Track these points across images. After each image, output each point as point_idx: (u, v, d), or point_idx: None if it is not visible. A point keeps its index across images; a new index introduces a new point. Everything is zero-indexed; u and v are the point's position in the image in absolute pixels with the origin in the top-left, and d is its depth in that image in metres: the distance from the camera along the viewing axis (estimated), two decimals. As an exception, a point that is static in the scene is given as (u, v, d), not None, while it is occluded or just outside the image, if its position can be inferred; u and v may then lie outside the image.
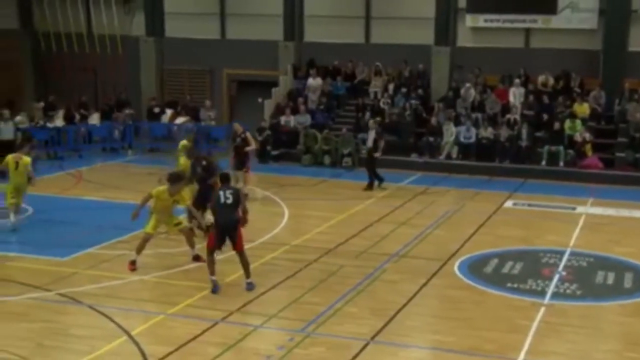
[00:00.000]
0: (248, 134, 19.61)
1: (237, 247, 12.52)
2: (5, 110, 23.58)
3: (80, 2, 29.74)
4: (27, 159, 16.22)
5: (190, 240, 13.81)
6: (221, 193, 12.48)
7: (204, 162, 15.31)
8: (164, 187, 13.40)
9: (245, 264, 12.58)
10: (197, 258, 13.74)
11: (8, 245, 14.82)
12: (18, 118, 24.40)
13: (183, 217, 13.93)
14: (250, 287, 12.51)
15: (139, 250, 13.39)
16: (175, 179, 13.49)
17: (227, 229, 12.43)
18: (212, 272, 12.41)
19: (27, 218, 16.83)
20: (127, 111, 27.11)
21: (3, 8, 29.57)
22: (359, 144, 24.06)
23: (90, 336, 10.54)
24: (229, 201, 12.39)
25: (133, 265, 13.36)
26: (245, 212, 12.73)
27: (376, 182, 20.81)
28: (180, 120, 26.68)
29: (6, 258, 13.93)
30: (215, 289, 12.31)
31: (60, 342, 10.39)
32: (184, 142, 18.83)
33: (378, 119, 23.33)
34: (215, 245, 12.49)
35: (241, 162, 19.30)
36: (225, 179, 12.99)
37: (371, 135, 21.14)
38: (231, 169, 19.28)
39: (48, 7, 29.94)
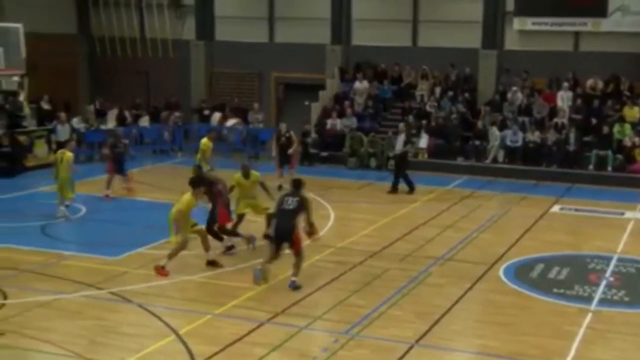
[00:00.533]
0: (292, 133, 20.84)
1: (294, 247, 12.79)
2: (62, 112, 24.26)
3: (134, 7, 30.47)
4: (69, 155, 17.19)
5: (205, 242, 13.76)
6: (286, 198, 12.80)
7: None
8: (189, 196, 13.29)
9: (297, 263, 12.77)
10: (212, 263, 13.76)
11: (64, 244, 15.25)
12: (74, 120, 25.04)
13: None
14: (293, 285, 12.66)
15: (172, 256, 13.28)
16: (196, 183, 13.56)
17: (283, 235, 12.67)
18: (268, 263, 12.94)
19: (81, 218, 17.28)
20: (176, 114, 27.57)
21: (63, 15, 30.54)
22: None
23: (139, 334, 10.77)
24: (290, 206, 12.65)
25: (164, 271, 13.21)
26: (311, 224, 12.98)
27: (406, 187, 20.73)
28: (231, 122, 27.04)
29: (62, 257, 14.32)
30: (257, 276, 12.71)
31: (111, 340, 10.64)
32: (204, 140, 19.39)
33: (424, 122, 23.39)
34: (272, 256, 12.82)
35: (285, 159, 20.63)
36: (297, 185, 13.15)
37: (400, 139, 21.25)
38: (276, 168, 20.53)
39: (104, 13, 30.73)
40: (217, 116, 27.83)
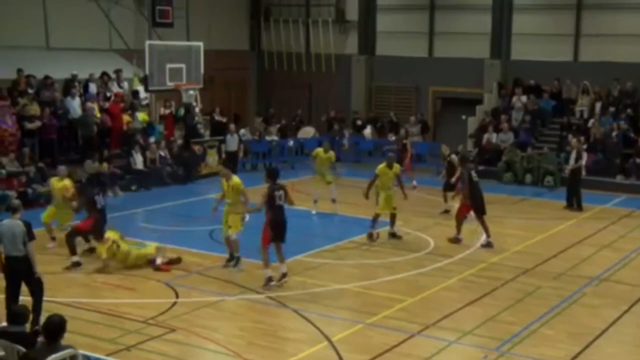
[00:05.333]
0: (453, 157, 19.76)
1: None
2: (231, 124, 25.62)
3: (301, 24, 31.72)
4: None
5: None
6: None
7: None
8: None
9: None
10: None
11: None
12: (242, 131, 26.37)
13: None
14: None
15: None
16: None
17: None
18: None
19: (246, 224, 18.05)
20: (335, 127, 28.46)
21: (238, 33, 32.45)
22: (562, 163, 23.72)
23: (294, 339, 11.24)
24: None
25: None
26: None
27: (568, 204, 20.49)
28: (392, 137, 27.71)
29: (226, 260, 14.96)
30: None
31: (268, 342, 11.12)
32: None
33: (582, 137, 22.91)
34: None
35: (449, 182, 19.76)
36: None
37: (573, 155, 20.86)
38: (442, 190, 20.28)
39: (274, 30, 32.29)
40: (368, 129, 28.51)
